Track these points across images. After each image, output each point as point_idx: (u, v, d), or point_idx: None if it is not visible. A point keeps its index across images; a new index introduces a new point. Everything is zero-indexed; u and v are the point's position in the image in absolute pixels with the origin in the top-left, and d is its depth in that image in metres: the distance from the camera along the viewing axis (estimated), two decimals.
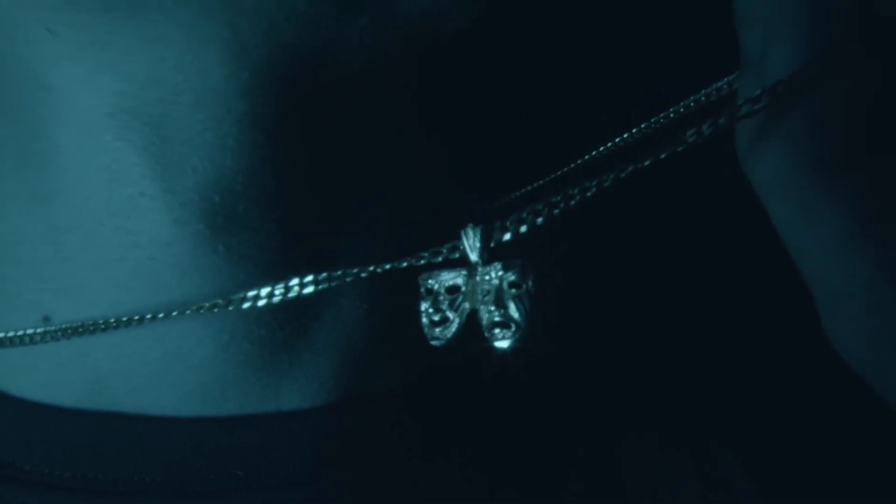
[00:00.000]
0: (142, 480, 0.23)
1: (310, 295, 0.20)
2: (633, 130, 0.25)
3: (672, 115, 0.24)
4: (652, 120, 0.24)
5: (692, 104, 0.24)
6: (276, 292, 0.20)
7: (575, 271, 0.34)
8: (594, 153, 0.25)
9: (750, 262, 0.35)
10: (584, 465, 0.27)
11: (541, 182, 0.26)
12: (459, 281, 0.19)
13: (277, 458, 0.24)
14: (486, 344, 0.18)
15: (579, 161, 0.25)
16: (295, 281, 0.20)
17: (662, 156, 0.19)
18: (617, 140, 0.25)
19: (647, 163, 0.20)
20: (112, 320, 0.22)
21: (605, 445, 0.28)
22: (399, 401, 0.26)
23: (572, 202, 0.19)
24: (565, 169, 0.24)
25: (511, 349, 0.18)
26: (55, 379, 0.24)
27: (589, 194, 0.19)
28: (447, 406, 0.27)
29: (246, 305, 0.21)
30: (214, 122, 0.21)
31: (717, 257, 0.37)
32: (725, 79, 0.23)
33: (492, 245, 0.18)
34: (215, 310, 0.21)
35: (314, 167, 0.24)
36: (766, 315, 0.36)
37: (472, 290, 0.19)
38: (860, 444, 0.31)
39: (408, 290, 0.21)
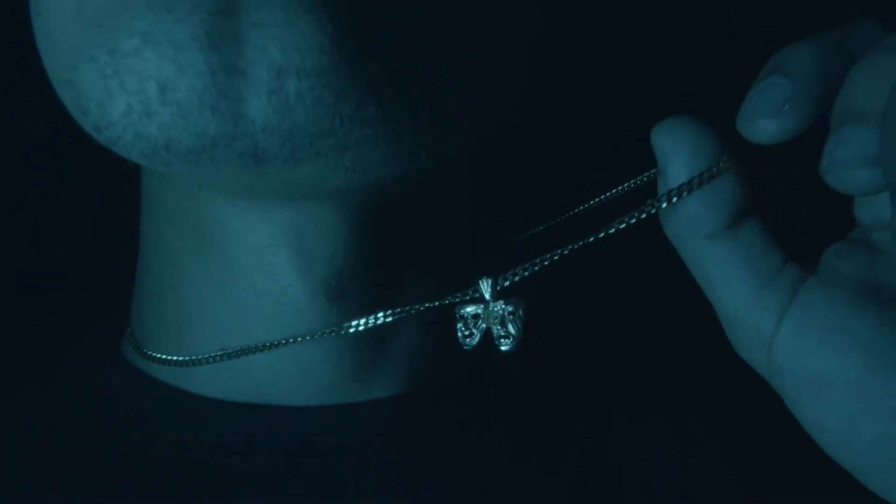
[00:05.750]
0: (282, 446, 0.34)
1: (390, 322, 0.30)
2: (613, 190, 0.30)
3: (645, 179, 0.28)
4: (625, 185, 0.30)
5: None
6: (370, 322, 0.31)
7: (561, 295, 0.42)
8: (585, 206, 0.33)
9: None
10: (583, 437, 0.37)
11: (538, 228, 0.36)
12: (479, 311, 0.28)
13: (367, 432, 0.35)
14: (496, 348, 0.29)
15: (572, 212, 0.34)
16: (381, 314, 0.31)
17: (602, 234, 0.26)
18: (602, 197, 0.32)
19: (602, 234, 0.29)
20: (267, 343, 0.34)
21: (600, 422, 0.37)
22: (447, 393, 0.36)
23: (554, 259, 0.30)
24: (553, 222, 0.34)
25: (510, 351, 0.29)
26: (228, 385, 0.34)
27: (566, 252, 0.29)
28: (480, 397, 0.37)
29: (351, 331, 0.31)
30: (329, 239, 0.31)
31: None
32: None
33: (498, 289, 0.29)
34: (332, 334, 0.33)
35: (391, 250, 0.34)
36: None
37: (487, 316, 0.27)
38: None
39: (448, 321, 0.29)
